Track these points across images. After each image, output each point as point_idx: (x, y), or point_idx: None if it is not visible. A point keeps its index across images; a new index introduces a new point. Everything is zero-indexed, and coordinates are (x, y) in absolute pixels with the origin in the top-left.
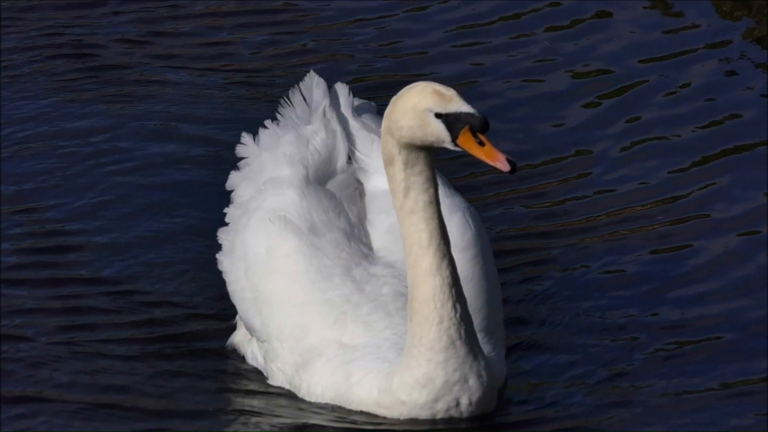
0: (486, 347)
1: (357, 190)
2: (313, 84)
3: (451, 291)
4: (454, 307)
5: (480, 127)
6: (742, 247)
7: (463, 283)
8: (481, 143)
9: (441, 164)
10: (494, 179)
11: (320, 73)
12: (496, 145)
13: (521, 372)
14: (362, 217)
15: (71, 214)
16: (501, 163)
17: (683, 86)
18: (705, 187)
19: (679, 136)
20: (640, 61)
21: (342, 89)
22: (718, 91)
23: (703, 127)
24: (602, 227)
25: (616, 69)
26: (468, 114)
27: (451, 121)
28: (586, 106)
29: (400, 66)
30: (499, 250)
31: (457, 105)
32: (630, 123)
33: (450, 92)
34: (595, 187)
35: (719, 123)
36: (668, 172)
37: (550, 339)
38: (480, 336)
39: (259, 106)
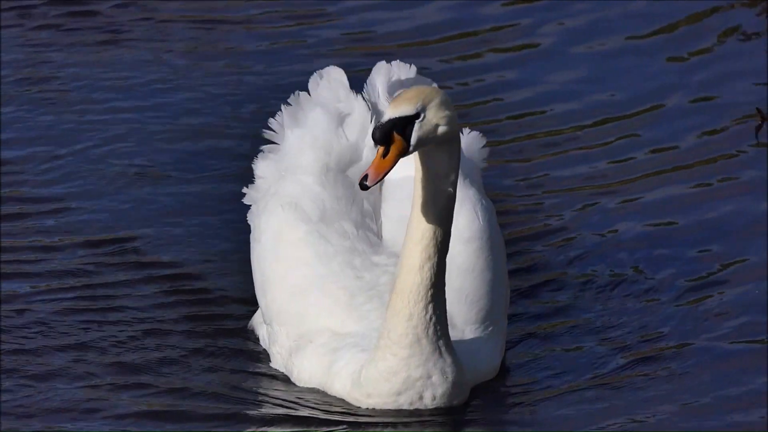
0: (478, 340)
1: None
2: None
3: (427, 292)
4: (426, 307)
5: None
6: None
7: (463, 273)
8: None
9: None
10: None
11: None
12: None
13: (520, 365)
14: (378, 206)
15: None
16: (363, 177)
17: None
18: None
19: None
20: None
21: (387, 68)
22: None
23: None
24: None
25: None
26: (378, 122)
27: None
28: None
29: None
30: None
31: (389, 112)
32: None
33: (403, 104)
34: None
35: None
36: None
37: (552, 332)
38: (473, 327)
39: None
